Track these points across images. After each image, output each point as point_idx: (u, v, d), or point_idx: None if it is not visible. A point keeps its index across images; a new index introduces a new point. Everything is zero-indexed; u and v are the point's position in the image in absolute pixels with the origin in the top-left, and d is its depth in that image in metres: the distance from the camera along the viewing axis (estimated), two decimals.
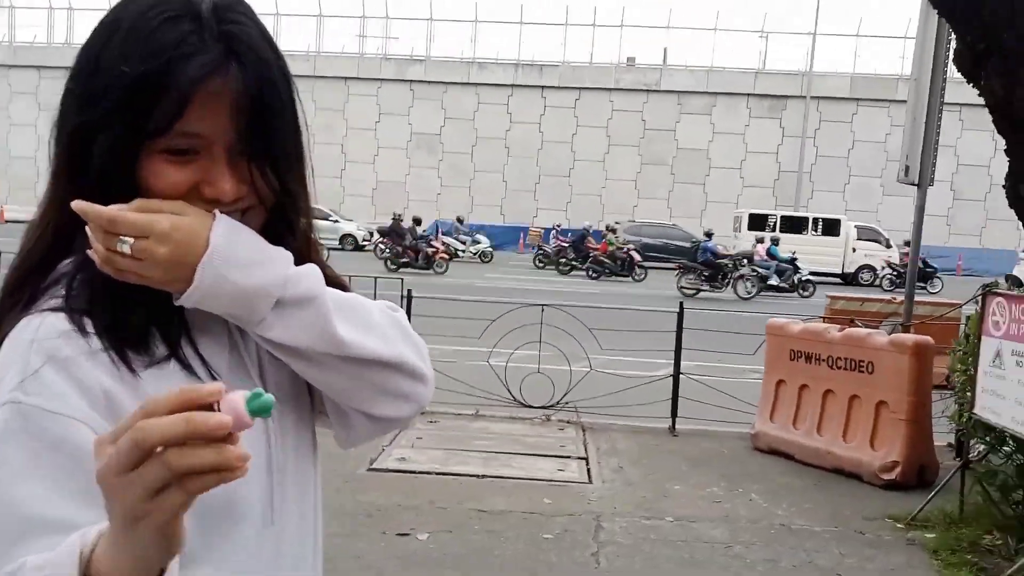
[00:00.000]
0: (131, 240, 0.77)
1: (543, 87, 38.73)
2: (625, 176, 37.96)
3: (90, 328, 0.80)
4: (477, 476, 5.25)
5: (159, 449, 0.56)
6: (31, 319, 0.80)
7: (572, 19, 42.56)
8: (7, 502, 0.71)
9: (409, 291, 6.95)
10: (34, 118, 38.16)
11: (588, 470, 5.54)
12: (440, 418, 6.67)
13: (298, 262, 0.88)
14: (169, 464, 0.55)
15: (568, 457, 5.88)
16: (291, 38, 43.94)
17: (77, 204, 0.78)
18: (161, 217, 0.78)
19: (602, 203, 37.18)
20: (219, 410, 0.57)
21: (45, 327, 0.79)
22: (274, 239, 0.87)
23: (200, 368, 0.84)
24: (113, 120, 0.79)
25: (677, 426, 6.63)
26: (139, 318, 0.82)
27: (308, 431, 0.99)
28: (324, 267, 0.95)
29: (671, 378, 6.79)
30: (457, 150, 38.63)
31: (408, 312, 6.74)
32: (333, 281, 0.95)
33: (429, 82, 38.87)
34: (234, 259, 0.80)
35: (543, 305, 7.09)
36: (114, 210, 0.78)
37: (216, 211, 0.82)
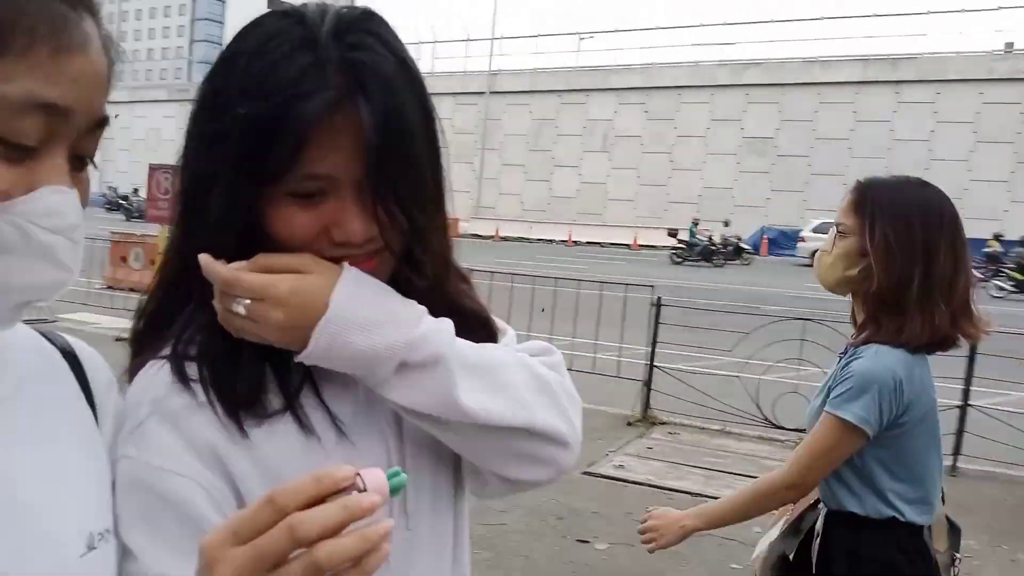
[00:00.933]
0: (247, 302, 0.74)
1: (896, 82, 35.40)
2: (994, 176, 33.27)
3: (197, 379, 0.78)
4: (691, 494, 5.04)
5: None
6: (151, 365, 0.80)
7: (935, 5, 38.31)
8: (135, 555, 0.72)
9: (659, 298, 6.84)
10: None
11: None
12: (681, 431, 6.51)
13: (432, 299, 0.83)
14: (319, 562, 0.51)
15: None
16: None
17: (202, 259, 0.76)
18: (280, 279, 0.74)
19: (962, 206, 32.96)
20: (363, 488, 0.55)
21: (159, 376, 0.78)
22: (402, 281, 0.83)
23: (321, 420, 0.80)
24: (231, 166, 0.74)
25: (959, 465, 5.76)
26: (252, 373, 0.79)
27: (446, 476, 0.92)
28: (464, 299, 0.92)
29: (956, 409, 5.91)
30: (792, 153, 36.86)
31: (656, 318, 6.68)
32: (472, 316, 0.91)
33: (765, 85, 37.58)
34: (354, 321, 0.75)
35: (804, 319, 6.56)
36: (232, 270, 0.75)
37: (345, 264, 0.78)
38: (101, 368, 0.79)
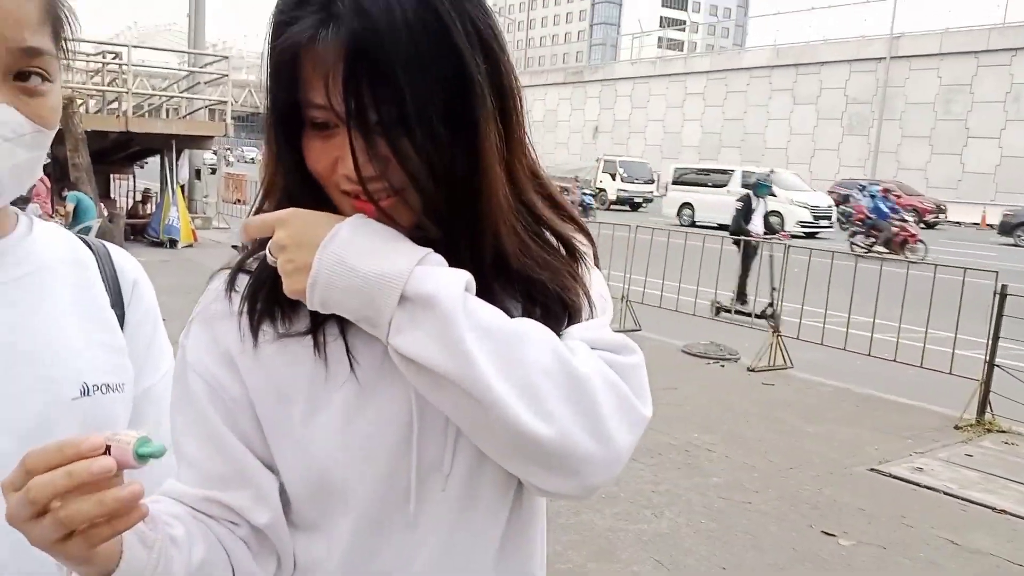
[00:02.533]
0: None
1: None
2: None
3: (241, 290, 0.84)
4: (994, 509, 4.37)
5: (56, 503, 0.62)
6: (220, 272, 0.89)
7: None
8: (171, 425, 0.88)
9: (1004, 286, 5.88)
10: (788, 112, 41.74)
11: None
12: (1020, 441, 5.58)
13: (465, 253, 0.79)
14: (61, 522, 0.62)
15: None
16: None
17: (238, 232, 0.85)
18: (290, 212, 0.78)
19: None
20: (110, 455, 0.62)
21: (217, 282, 0.88)
22: (448, 224, 0.79)
23: (337, 352, 0.81)
24: (272, 105, 0.79)
25: None
26: (282, 295, 0.79)
27: (492, 463, 0.82)
28: (530, 258, 0.83)
29: None
30: None
31: (999, 309, 5.78)
32: (533, 283, 0.83)
33: None
34: (355, 246, 0.74)
35: None
36: (250, 217, 0.83)
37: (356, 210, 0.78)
38: (129, 267, 1.05)
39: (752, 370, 7.00)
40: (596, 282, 0.90)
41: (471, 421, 0.75)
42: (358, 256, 0.74)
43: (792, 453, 5.06)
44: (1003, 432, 5.73)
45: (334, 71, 0.72)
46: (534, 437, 0.73)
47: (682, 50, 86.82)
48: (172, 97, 14.66)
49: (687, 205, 26.47)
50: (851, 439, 5.42)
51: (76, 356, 0.92)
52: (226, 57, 15.37)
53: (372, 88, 0.71)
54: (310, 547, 0.85)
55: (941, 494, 4.56)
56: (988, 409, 5.87)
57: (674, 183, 27.55)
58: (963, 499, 4.50)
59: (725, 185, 25.23)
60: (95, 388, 0.91)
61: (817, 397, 6.40)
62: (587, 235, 0.93)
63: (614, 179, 33.11)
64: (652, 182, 34.26)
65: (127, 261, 1.04)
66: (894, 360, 6.63)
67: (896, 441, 5.44)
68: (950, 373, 6.19)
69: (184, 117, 13.88)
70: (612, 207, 31.58)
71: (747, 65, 47.64)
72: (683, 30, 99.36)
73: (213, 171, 16.55)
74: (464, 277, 0.75)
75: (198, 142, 13.26)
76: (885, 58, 40.24)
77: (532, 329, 0.76)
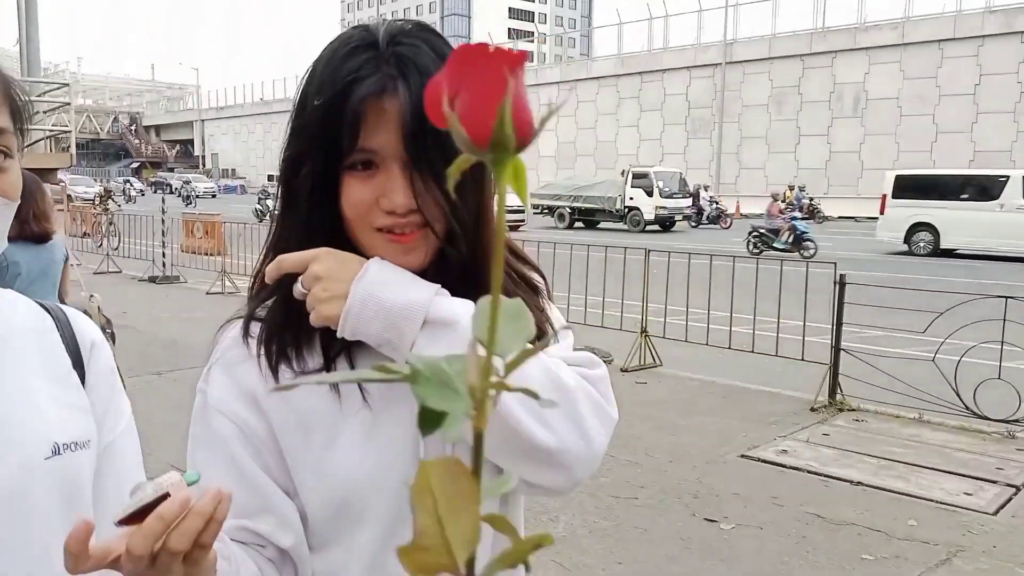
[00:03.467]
0: (300, 285, 0.91)
1: None
2: None
3: (255, 336, 0.95)
4: (852, 483, 4.82)
5: (158, 545, 0.71)
6: (233, 321, 1.00)
7: None
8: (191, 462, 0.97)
9: (842, 276, 6.46)
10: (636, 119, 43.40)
11: (1008, 501, 4.60)
12: (871, 418, 6.14)
13: (470, 283, 0.93)
14: (172, 548, 0.71)
15: (994, 482, 4.92)
16: (879, 7, 41.60)
17: (269, 269, 0.93)
18: (320, 252, 0.90)
19: None
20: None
21: (232, 330, 0.99)
22: (442, 258, 0.94)
23: (348, 384, 0.92)
24: (313, 147, 0.91)
25: None
26: (296, 337, 0.94)
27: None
28: (514, 270, 1.02)
29: None
30: None
31: (840, 296, 6.33)
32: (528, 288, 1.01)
33: None
34: (384, 281, 0.88)
35: (1006, 297, 5.90)
36: (282, 256, 0.93)
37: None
38: (85, 329, 1.09)
39: (625, 370, 7.33)
40: (555, 314, 1.07)
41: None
42: (384, 288, 0.88)
43: (670, 447, 5.37)
44: (853, 411, 6.29)
45: (397, 121, 0.87)
46: (538, 442, 0.88)
47: (532, 61, 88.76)
48: (32, 103, 13.67)
49: (923, 227, 19.61)
50: (722, 429, 5.80)
51: (44, 417, 0.96)
52: (67, 83, 14.53)
53: (428, 138, 0.87)
54: (330, 560, 0.96)
55: (805, 473, 4.97)
56: (839, 390, 6.43)
57: (897, 194, 20.05)
58: (825, 475, 4.93)
59: (996, 198, 18.72)
60: (65, 447, 0.95)
61: (687, 391, 6.80)
62: (540, 272, 1.09)
63: (649, 194, 27.44)
64: (690, 196, 29.69)
65: (85, 323, 1.09)
66: (752, 351, 7.13)
67: (762, 427, 5.86)
68: (802, 359, 6.73)
69: (21, 149, 12.98)
70: (647, 228, 27.44)
71: (595, 74, 49.32)
72: (532, 41, 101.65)
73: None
74: (471, 305, 0.86)
75: (41, 175, 12.47)
76: (721, 64, 42.70)
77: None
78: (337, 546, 0.96)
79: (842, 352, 6.42)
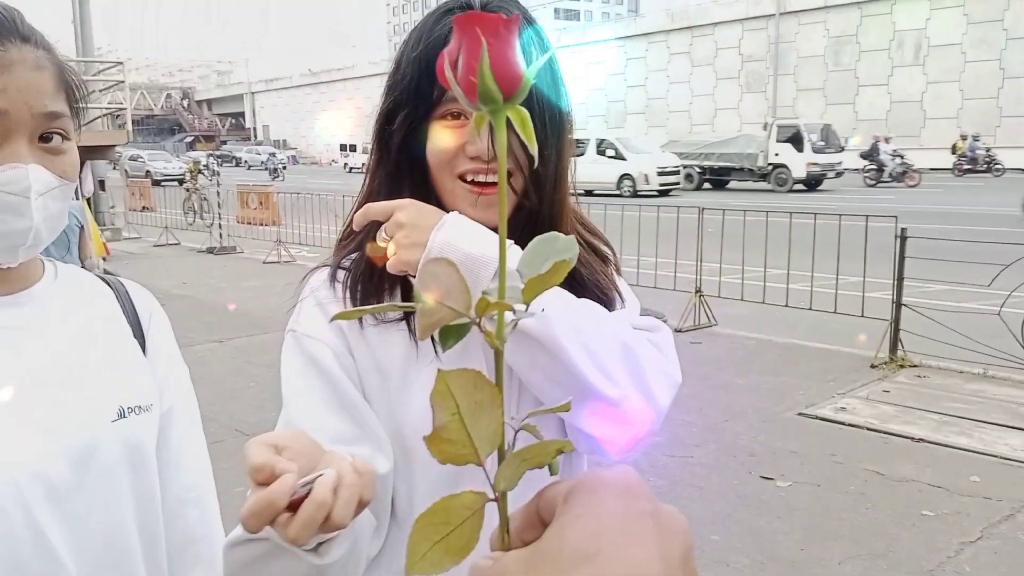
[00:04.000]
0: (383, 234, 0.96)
1: None
2: None
3: (341, 282, 1.03)
4: (912, 439, 4.74)
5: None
6: (321, 268, 1.07)
7: None
8: (285, 403, 1.00)
9: (903, 230, 6.28)
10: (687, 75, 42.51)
11: None
12: (934, 374, 6.01)
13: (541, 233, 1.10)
14: (350, 499, 0.70)
15: None
16: None
17: (356, 217, 0.99)
18: (404, 202, 0.96)
19: None
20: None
21: (321, 275, 1.06)
22: (514, 218, 1.01)
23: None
24: (408, 99, 0.99)
25: None
26: (378, 287, 1.01)
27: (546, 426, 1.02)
28: (587, 243, 1.08)
29: None
30: None
31: (901, 251, 6.17)
32: (579, 278, 1.03)
33: None
34: (463, 230, 0.93)
35: None
36: (369, 205, 0.98)
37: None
38: (145, 300, 1.14)
39: (679, 331, 7.28)
40: (622, 284, 1.12)
41: (544, 375, 0.91)
42: (461, 238, 0.92)
43: (725, 406, 5.34)
44: (915, 367, 6.16)
45: None
46: (600, 392, 0.90)
47: (579, 19, 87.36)
48: (89, 92, 14.04)
49: None
50: (778, 387, 5.74)
51: (110, 382, 1.01)
52: (120, 62, 14.83)
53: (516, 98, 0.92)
54: (398, 500, 1.01)
55: (864, 430, 4.90)
56: (900, 347, 6.29)
57: None
58: (884, 432, 4.86)
59: None
60: (129, 410, 1.00)
61: (743, 351, 6.73)
62: (608, 245, 1.14)
63: (799, 148, 24.75)
64: (843, 150, 26.29)
65: (144, 295, 1.14)
66: (810, 308, 7.01)
67: (819, 385, 5.79)
68: (862, 316, 6.59)
69: (80, 128, 13.32)
70: (794, 188, 24.82)
71: (643, 31, 48.37)
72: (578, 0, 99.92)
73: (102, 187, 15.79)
74: None
75: (99, 152, 12.79)
76: (774, 15, 41.46)
77: (596, 305, 0.97)
78: (398, 493, 1.00)
79: (903, 308, 6.28)
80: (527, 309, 0.46)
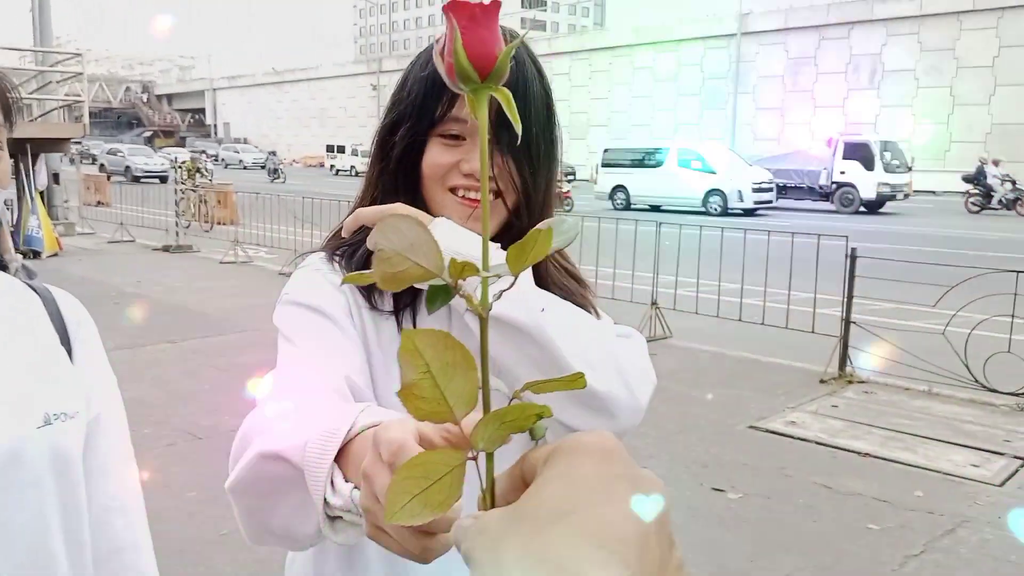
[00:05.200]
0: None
1: None
2: None
3: (342, 257, 1.08)
4: (860, 454, 4.85)
5: None
6: (314, 254, 1.12)
7: None
8: (291, 340, 1.01)
9: (853, 249, 6.45)
10: (650, 90, 42.94)
11: (1015, 472, 4.63)
12: (880, 390, 6.16)
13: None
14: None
15: (1002, 455, 4.94)
16: None
17: (348, 222, 1.05)
18: (392, 207, 1.02)
19: None
20: None
21: (315, 257, 1.11)
22: (509, 233, 1.07)
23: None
24: (411, 113, 1.05)
25: None
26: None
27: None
28: (562, 267, 1.14)
29: None
30: None
31: (851, 270, 6.33)
32: (571, 278, 1.14)
33: None
34: (453, 231, 0.97)
35: (1017, 272, 5.88)
36: (358, 211, 1.04)
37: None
38: (72, 307, 1.13)
39: None
40: (597, 305, 1.19)
41: (533, 366, 0.95)
42: (452, 239, 0.94)
43: (679, 417, 5.42)
44: (862, 383, 6.31)
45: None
46: (588, 386, 0.93)
47: (545, 30, 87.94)
48: (22, 99, 13.75)
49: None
50: (731, 400, 5.84)
51: (35, 388, 1.00)
52: (79, 53, 14.54)
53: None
54: None
55: (813, 444, 5.01)
56: (848, 362, 6.45)
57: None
58: (833, 446, 4.97)
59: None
60: (55, 417, 0.99)
61: (697, 363, 6.83)
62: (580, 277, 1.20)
63: (869, 167, 22.60)
64: (911, 170, 23.98)
65: (71, 303, 1.13)
66: (762, 323, 7.15)
67: (771, 398, 5.90)
68: (812, 332, 6.74)
69: (36, 119, 13.06)
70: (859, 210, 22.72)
71: (609, 44, 48.85)
72: (545, 10, 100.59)
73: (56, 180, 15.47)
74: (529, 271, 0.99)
75: (55, 145, 12.52)
76: (736, 34, 42.19)
77: (579, 310, 1.05)
78: None
79: (852, 325, 6.43)
80: (514, 282, 0.48)
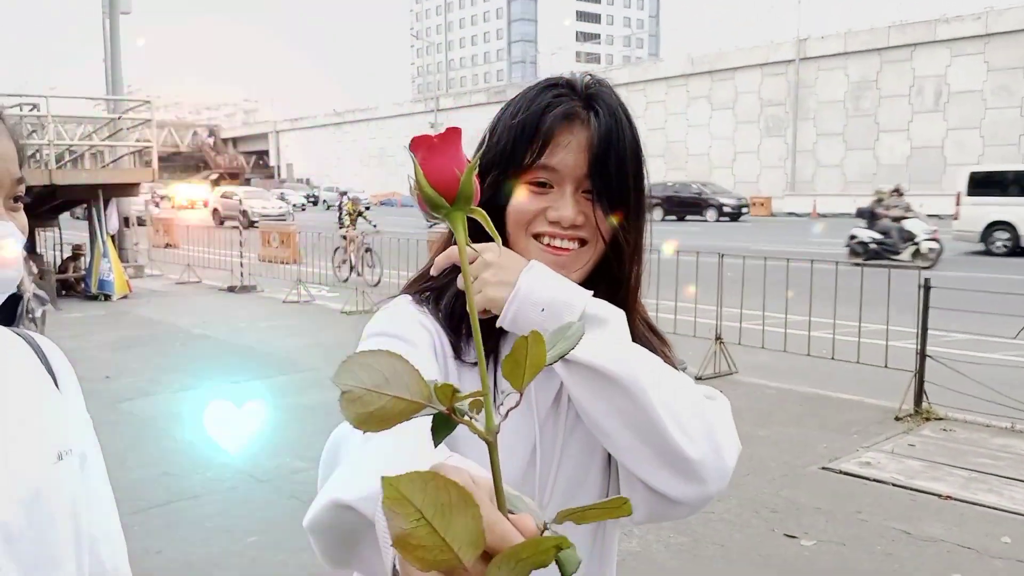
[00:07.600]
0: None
1: None
2: None
3: (427, 311, 1.07)
4: (940, 496, 4.61)
5: None
6: (401, 296, 1.11)
7: None
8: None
9: (926, 280, 6.20)
10: (707, 119, 42.72)
11: None
12: (959, 428, 5.88)
13: (619, 301, 1.04)
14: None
15: None
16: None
17: (439, 259, 1.05)
18: (489, 246, 0.99)
19: None
20: None
21: (402, 299, 1.09)
22: (604, 283, 1.07)
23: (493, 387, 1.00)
24: (500, 161, 1.05)
25: None
26: (462, 326, 1.04)
27: (594, 480, 1.08)
28: (647, 323, 1.14)
29: None
30: None
31: (925, 301, 6.09)
32: (652, 332, 1.13)
33: None
34: (548, 275, 0.99)
35: None
36: (455, 248, 1.00)
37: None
38: (55, 354, 1.16)
39: (700, 378, 7.19)
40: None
41: (621, 420, 0.93)
42: (546, 283, 0.98)
43: (747, 459, 5.23)
44: (940, 420, 6.03)
45: (581, 146, 1.02)
46: (680, 449, 0.92)
47: (599, 63, 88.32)
48: (95, 145, 14.35)
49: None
50: (801, 439, 5.63)
51: (46, 426, 1.05)
52: (148, 101, 15.09)
53: (609, 168, 1.02)
54: None
55: (890, 486, 4.78)
56: (924, 398, 6.17)
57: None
58: (911, 489, 4.73)
59: None
60: (65, 453, 1.03)
61: (764, 400, 6.63)
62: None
63: None
64: None
65: (54, 350, 1.17)
66: (832, 358, 6.91)
67: (843, 437, 5.67)
68: (885, 366, 6.49)
69: (107, 165, 13.56)
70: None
71: (664, 75, 48.76)
72: (599, 43, 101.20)
73: (141, 223, 16.01)
74: (622, 313, 1.00)
75: (125, 189, 12.98)
76: (794, 60, 41.70)
77: (669, 367, 1.01)
78: None
79: (928, 358, 6.17)
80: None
